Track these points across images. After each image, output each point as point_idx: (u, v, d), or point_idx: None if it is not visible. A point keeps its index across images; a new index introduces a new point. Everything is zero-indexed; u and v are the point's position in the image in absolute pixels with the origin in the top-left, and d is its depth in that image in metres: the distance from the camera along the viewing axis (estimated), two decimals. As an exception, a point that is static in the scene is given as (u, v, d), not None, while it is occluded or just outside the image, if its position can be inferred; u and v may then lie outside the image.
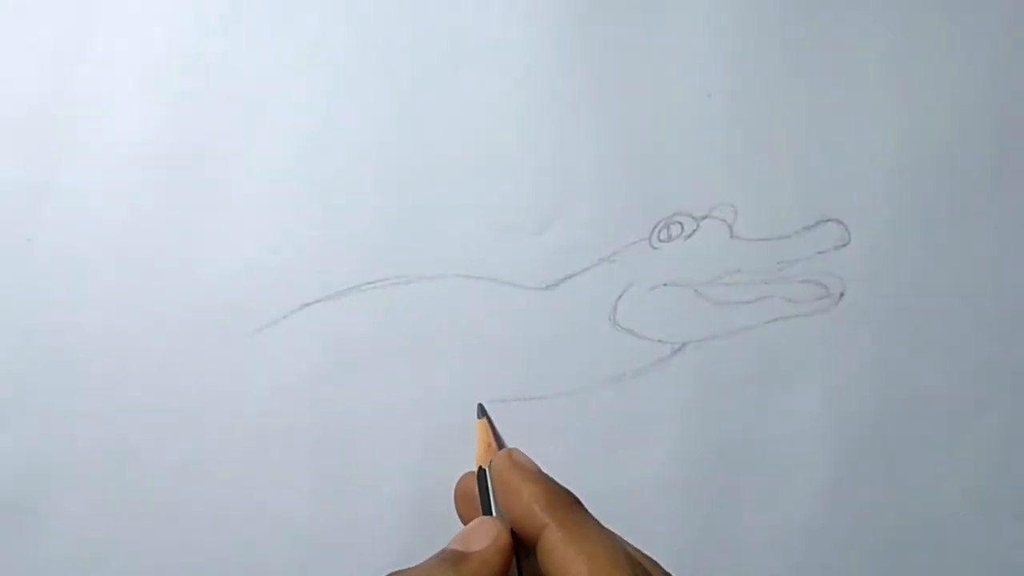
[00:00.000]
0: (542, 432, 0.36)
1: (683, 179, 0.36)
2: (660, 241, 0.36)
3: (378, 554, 0.36)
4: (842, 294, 0.36)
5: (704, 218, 0.36)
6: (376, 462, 0.36)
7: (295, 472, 0.36)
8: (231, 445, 0.36)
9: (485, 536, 0.30)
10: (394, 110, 0.36)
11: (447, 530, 0.35)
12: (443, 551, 0.30)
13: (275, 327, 0.36)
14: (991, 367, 0.36)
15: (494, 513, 0.32)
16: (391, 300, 0.36)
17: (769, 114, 0.36)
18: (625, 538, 0.30)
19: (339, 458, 0.36)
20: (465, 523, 0.34)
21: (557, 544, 0.29)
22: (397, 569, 0.28)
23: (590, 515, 0.30)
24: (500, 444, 0.35)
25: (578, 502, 0.31)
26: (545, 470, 0.32)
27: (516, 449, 0.33)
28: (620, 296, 0.36)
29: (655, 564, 0.30)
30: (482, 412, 0.36)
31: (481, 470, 0.33)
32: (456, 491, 0.35)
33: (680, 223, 0.36)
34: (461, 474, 0.35)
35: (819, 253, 0.36)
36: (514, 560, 0.30)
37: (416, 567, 0.29)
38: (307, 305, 0.36)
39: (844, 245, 0.36)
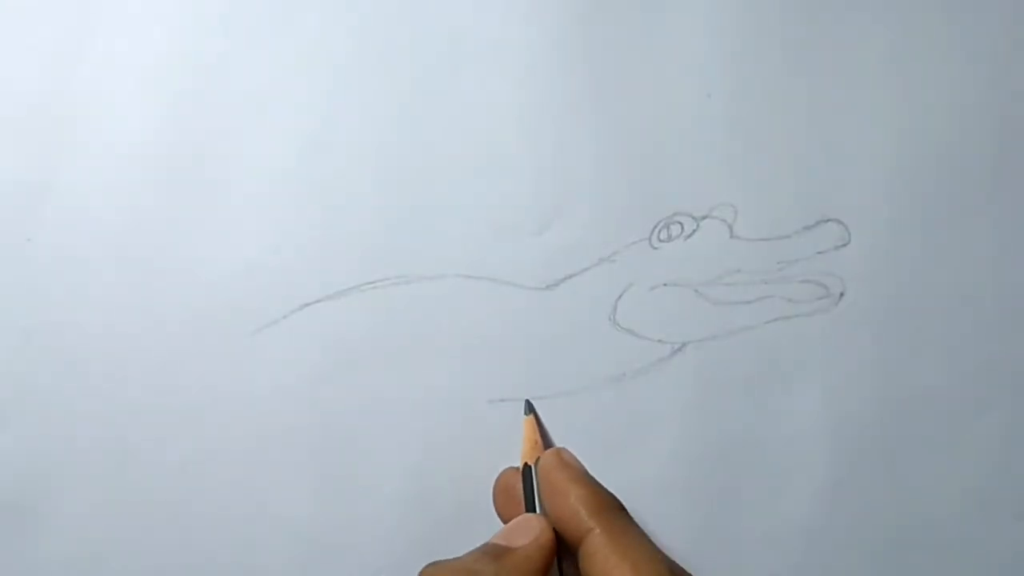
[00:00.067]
0: (542, 432, 0.36)
1: (683, 179, 0.36)
2: (660, 241, 0.36)
3: (378, 554, 0.36)
4: (842, 294, 0.36)
5: (704, 218, 0.36)
6: (376, 462, 0.36)
7: (295, 472, 0.36)
8: (231, 445, 0.36)
9: (529, 533, 0.30)
10: (394, 110, 0.36)
11: (447, 530, 0.35)
12: (485, 544, 0.30)
13: (275, 327, 0.36)
14: (991, 367, 0.36)
15: (537, 510, 0.32)
16: (391, 300, 0.36)
17: (769, 114, 0.36)
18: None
19: (339, 458, 0.36)
20: (503, 518, 0.34)
21: (600, 549, 0.29)
22: (434, 561, 0.28)
23: (634, 522, 0.30)
24: (547, 442, 0.35)
25: (623, 508, 0.31)
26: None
27: (564, 448, 0.33)
28: (620, 296, 0.36)
29: None
30: (529, 408, 0.35)
31: (527, 467, 0.33)
32: (496, 486, 0.35)
33: (680, 223, 0.36)
34: (462, 474, 0.35)
35: (819, 253, 0.36)
36: (555, 559, 0.30)
37: (457, 558, 0.29)
38: (307, 305, 0.36)
39: (844, 245, 0.36)
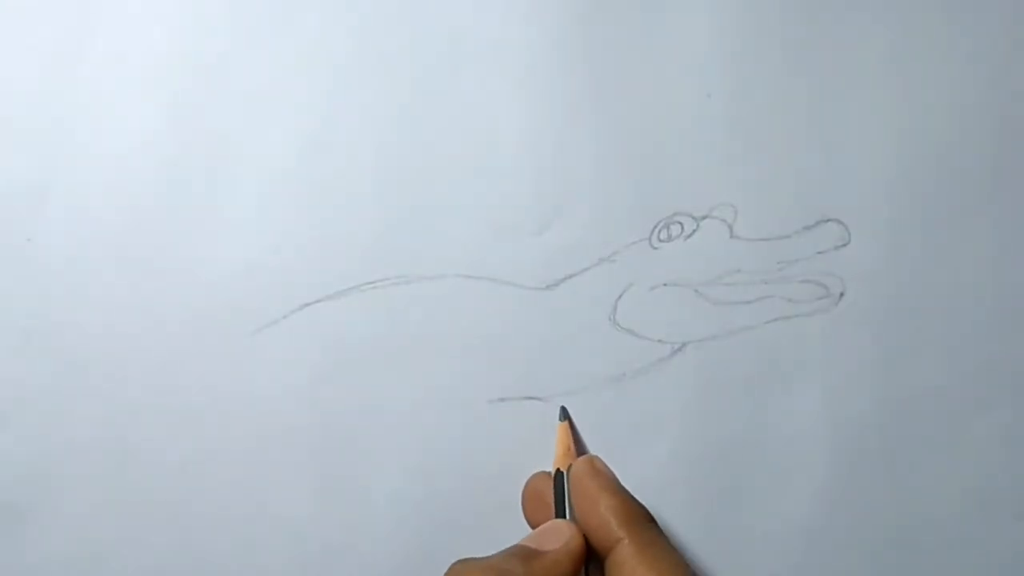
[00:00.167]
0: (542, 432, 0.36)
1: (683, 179, 0.36)
2: (660, 241, 0.36)
3: (378, 554, 0.36)
4: (842, 294, 0.36)
5: (704, 218, 0.36)
6: (376, 462, 0.36)
7: (295, 472, 0.36)
8: (231, 445, 0.36)
9: (559, 538, 0.30)
10: (394, 110, 0.36)
11: (447, 530, 0.35)
12: (515, 546, 0.30)
13: (275, 327, 0.36)
14: (991, 367, 0.36)
15: (568, 517, 0.32)
16: (391, 300, 0.36)
17: (769, 114, 0.36)
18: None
19: (339, 458, 0.36)
20: (531, 523, 0.34)
21: (628, 560, 0.29)
22: (463, 558, 0.29)
23: (663, 535, 0.31)
24: (580, 449, 0.35)
25: (653, 520, 0.31)
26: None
27: (597, 457, 0.33)
28: (620, 296, 0.36)
29: None
30: (564, 415, 0.35)
31: (559, 472, 0.33)
32: (525, 490, 0.35)
33: (680, 223, 0.36)
34: (462, 474, 0.35)
35: (819, 253, 0.36)
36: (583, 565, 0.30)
37: (486, 557, 0.29)
38: (307, 305, 0.36)
39: (844, 245, 0.36)
